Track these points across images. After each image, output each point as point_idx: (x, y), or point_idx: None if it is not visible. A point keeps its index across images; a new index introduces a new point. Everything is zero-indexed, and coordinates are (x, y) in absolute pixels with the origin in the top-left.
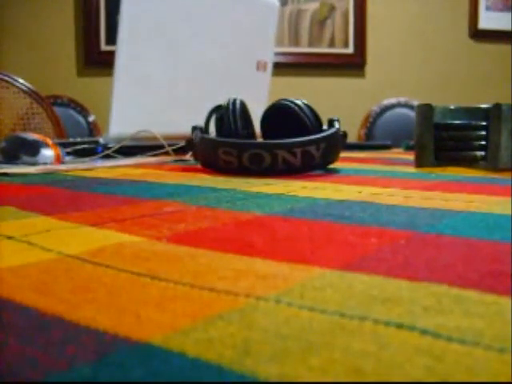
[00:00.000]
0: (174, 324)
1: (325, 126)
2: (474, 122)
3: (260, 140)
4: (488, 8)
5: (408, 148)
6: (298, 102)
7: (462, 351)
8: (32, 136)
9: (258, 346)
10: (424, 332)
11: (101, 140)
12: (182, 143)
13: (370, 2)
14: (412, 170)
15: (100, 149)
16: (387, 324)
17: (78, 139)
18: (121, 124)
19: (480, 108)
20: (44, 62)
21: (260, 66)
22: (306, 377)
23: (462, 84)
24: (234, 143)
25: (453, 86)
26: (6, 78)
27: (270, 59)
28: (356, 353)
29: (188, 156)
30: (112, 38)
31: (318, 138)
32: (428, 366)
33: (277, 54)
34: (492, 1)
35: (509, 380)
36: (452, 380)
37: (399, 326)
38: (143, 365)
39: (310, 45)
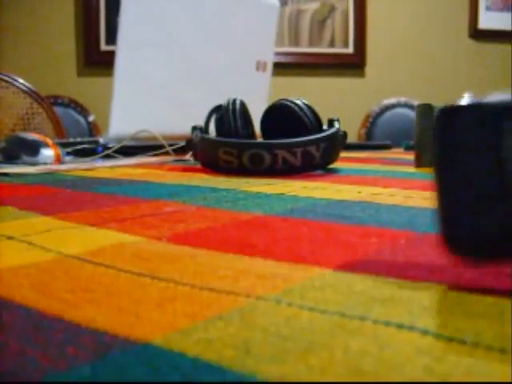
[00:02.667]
0: (174, 324)
1: (325, 126)
2: None
3: (260, 140)
4: (488, 8)
5: (408, 148)
6: (298, 101)
7: (463, 351)
8: (32, 136)
9: (258, 346)
10: (424, 332)
11: (101, 140)
12: (182, 143)
13: (370, 2)
14: (412, 170)
15: (100, 149)
16: (387, 324)
17: (78, 139)
18: (121, 124)
19: None
20: (44, 62)
21: (260, 66)
22: (306, 377)
23: (462, 84)
24: (234, 143)
25: (453, 86)
26: (6, 78)
27: (270, 59)
28: (356, 353)
29: (188, 156)
30: (112, 38)
31: (318, 138)
32: (428, 366)
33: (277, 53)
34: (492, 1)
35: (509, 380)
36: (452, 380)
37: (399, 326)
38: (143, 365)
39: (310, 45)
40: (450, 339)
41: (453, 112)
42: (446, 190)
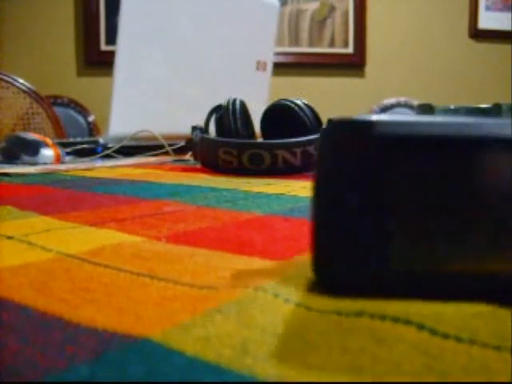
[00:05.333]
0: (173, 319)
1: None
2: None
3: (260, 140)
4: (488, 8)
5: None
6: (298, 101)
7: (459, 349)
8: (32, 136)
9: (256, 345)
10: (420, 327)
11: (101, 140)
12: (182, 143)
13: (370, 2)
14: None
15: (100, 149)
16: (383, 319)
17: (78, 139)
18: (121, 124)
19: (480, 108)
20: (44, 62)
21: (260, 66)
22: (305, 376)
23: (461, 84)
24: (233, 143)
25: (453, 86)
26: (6, 78)
27: (270, 59)
28: (354, 351)
29: (188, 156)
30: (112, 38)
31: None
32: (425, 364)
33: (277, 53)
34: (492, 1)
35: (506, 379)
36: (449, 378)
37: (395, 321)
38: (142, 363)
39: (310, 45)
40: (446, 335)
41: (341, 128)
42: (322, 217)
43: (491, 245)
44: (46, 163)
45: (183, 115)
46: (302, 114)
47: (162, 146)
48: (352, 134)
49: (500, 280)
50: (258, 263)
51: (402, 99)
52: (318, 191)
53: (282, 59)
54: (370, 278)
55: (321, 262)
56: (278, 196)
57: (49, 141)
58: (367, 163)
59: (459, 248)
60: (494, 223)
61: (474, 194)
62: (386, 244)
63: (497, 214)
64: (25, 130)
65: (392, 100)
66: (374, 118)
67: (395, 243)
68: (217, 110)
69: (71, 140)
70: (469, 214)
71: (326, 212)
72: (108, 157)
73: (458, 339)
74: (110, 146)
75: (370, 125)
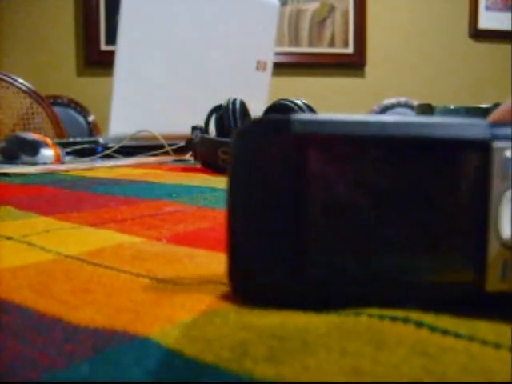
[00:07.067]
0: (173, 319)
1: None
2: None
3: None
4: (488, 8)
5: None
6: (298, 101)
7: (458, 347)
8: (32, 136)
9: (255, 346)
10: (419, 325)
11: (101, 140)
12: (182, 143)
13: (370, 2)
14: None
15: (100, 149)
16: (382, 318)
17: (78, 139)
18: (121, 124)
19: (480, 108)
20: (44, 62)
21: (260, 66)
22: (303, 377)
23: (462, 84)
24: None
25: (453, 86)
26: (6, 78)
27: (270, 59)
28: (353, 353)
29: (188, 156)
30: (112, 38)
31: None
32: (424, 365)
33: (277, 53)
34: (492, 1)
35: (506, 378)
36: (448, 380)
37: (393, 320)
38: (141, 365)
39: (310, 45)
40: (445, 331)
41: (253, 129)
42: (237, 220)
43: (413, 251)
44: (45, 163)
45: (183, 115)
46: (301, 113)
47: (162, 146)
48: (269, 133)
49: (423, 288)
50: None
51: (402, 99)
52: (232, 194)
53: (282, 59)
54: (286, 284)
55: (235, 271)
56: None
57: (49, 141)
58: (284, 163)
59: (381, 254)
60: (415, 228)
61: (392, 195)
62: (303, 250)
63: (416, 217)
64: (25, 130)
65: (392, 100)
66: (292, 116)
67: (312, 249)
68: (217, 109)
69: (71, 140)
70: (387, 215)
71: (240, 214)
72: (108, 157)
73: (457, 335)
74: (110, 146)
75: (287, 123)
